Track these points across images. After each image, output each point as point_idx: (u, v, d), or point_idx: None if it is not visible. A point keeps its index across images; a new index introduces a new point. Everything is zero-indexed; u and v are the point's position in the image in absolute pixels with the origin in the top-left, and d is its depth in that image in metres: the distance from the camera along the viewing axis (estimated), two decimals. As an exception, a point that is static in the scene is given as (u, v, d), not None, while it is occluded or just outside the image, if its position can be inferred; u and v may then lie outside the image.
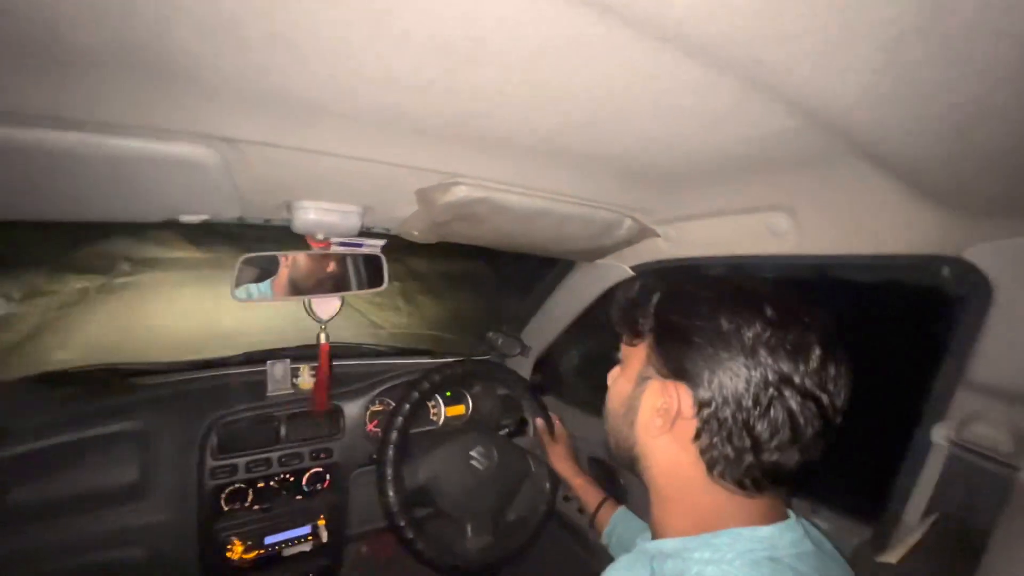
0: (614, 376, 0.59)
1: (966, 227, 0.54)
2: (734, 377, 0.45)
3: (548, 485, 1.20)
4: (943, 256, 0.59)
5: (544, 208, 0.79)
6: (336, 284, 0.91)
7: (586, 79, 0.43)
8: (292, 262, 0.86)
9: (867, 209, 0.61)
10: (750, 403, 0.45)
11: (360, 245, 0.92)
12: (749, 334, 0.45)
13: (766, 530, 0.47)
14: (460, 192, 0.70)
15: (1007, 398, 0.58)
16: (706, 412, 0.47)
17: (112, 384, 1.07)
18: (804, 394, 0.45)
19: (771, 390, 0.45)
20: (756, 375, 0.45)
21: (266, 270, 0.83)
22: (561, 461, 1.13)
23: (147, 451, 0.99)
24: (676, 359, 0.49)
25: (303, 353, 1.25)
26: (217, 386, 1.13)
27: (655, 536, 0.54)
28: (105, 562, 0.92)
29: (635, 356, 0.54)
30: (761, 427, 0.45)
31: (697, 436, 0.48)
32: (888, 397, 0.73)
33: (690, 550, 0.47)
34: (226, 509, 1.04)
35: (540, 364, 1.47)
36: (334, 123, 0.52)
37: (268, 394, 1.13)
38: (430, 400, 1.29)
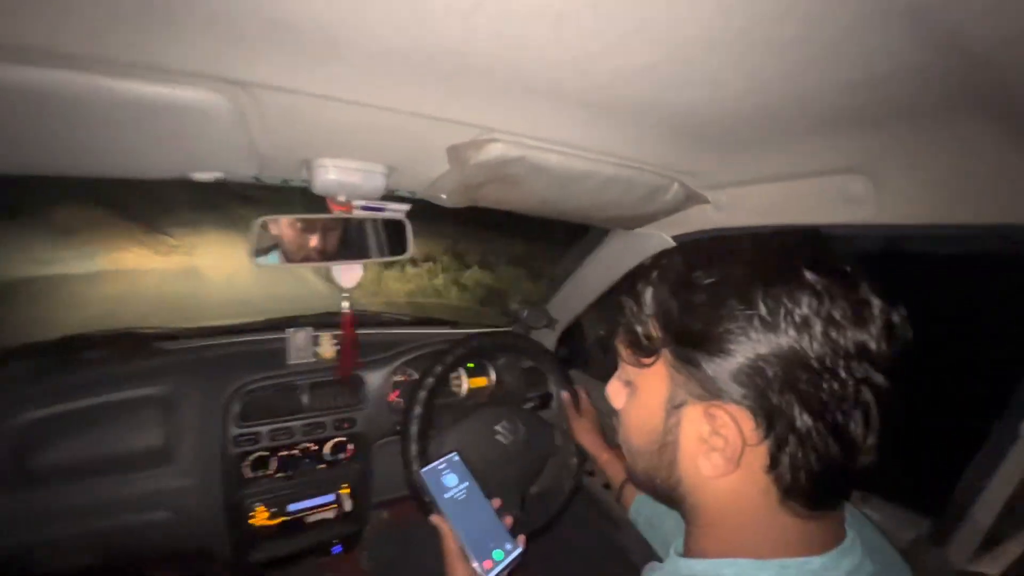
0: (619, 396, 0.50)
1: None
2: (801, 371, 0.36)
3: (574, 460, 1.17)
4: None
5: (586, 170, 0.72)
6: (358, 250, 0.86)
7: (659, 7, 0.35)
8: (312, 226, 0.81)
9: (971, 171, 0.52)
10: (831, 396, 0.36)
11: (382, 210, 0.86)
12: (802, 310, 0.36)
13: (818, 561, 0.40)
14: (496, 150, 0.63)
15: None
16: (779, 430, 0.37)
17: (137, 349, 1.06)
18: (882, 363, 0.36)
19: (853, 370, 0.36)
20: (828, 358, 0.35)
21: (285, 234, 0.78)
22: (586, 435, 1.09)
23: (172, 416, 0.98)
24: (714, 374, 0.38)
25: (324, 320, 1.22)
26: (239, 353, 1.11)
27: (690, 551, 0.47)
28: (132, 525, 0.93)
29: (652, 380, 0.44)
30: (855, 424, 0.36)
31: (773, 464, 0.38)
32: (971, 380, 0.66)
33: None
34: (250, 476, 1.04)
35: (566, 337, 1.42)
36: (358, 65, 0.45)
37: (289, 362, 1.11)
38: (453, 372, 1.26)
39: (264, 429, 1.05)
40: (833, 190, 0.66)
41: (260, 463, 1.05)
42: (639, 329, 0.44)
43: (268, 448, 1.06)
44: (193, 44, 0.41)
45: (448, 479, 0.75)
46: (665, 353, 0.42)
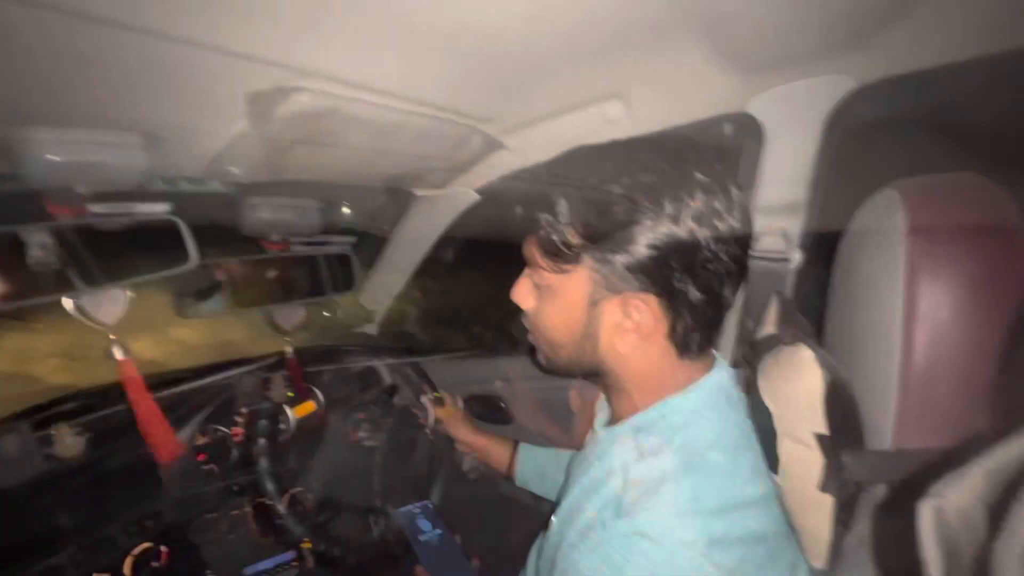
0: (527, 299, 0.56)
1: (750, 82, 0.71)
2: (696, 255, 0.45)
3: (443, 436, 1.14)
4: (732, 114, 0.77)
5: (399, 122, 0.70)
6: (116, 266, 0.61)
7: None
8: (31, 243, 0.53)
9: (682, 82, 0.73)
10: (714, 273, 0.46)
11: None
12: (696, 206, 0.45)
13: (711, 376, 0.53)
14: (303, 100, 0.55)
15: (782, 212, 0.80)
16: (677, 306, 0.47)
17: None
18: (742, 240, 0.48)
19: (728, 249, 0.46)
20: (713, 243, 0.45)
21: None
22: (459, 428, 1.05)
23: None
24: (630, 270, 0.46)
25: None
26: None
27: (618, 417, 0.57)
28: None
29: (572, 282, 0.50)
30: (728, 289, 0.48)
31: (672, 330, 0.49)
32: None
33: (665, 415, 0.51)
34: None
35: (386, 325, 1.34)
36: None
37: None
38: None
39: None
40: (597, 116, 0.82)
41: None
42: (556, 238, 0.48)
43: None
44: None
45: (423, 524, 0.76)
46: (586, 258, 0.48)
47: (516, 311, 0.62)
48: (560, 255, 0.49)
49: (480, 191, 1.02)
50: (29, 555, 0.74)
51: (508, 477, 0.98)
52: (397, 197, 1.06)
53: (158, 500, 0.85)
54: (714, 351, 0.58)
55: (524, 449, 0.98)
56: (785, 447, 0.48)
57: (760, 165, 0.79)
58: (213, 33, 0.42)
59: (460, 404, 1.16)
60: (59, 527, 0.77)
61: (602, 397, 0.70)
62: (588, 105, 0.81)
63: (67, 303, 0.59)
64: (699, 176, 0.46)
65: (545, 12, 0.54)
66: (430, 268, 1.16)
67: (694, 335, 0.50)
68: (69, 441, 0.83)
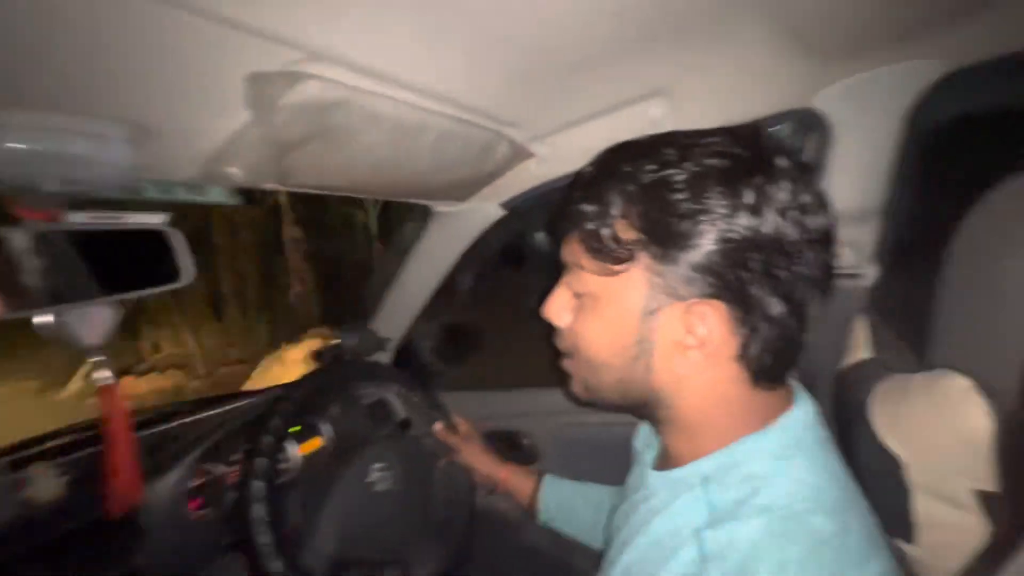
0: (564, 312, 0.48)
1: (818, 73, 0.63)
2: (778, 256, 0.37)
3: (463, 474, 1.02)
4: (791, 110, 0.68)
5: (420, 122, 0.62)
6: (102, 281, 0.53)
7: None
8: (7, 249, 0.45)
9: (737, 75, 0.65)
10: (799, 278, 0.38)
11: (118, 218, 0.56)
12: (782, 196, 0.37)
13: (794, 413, 0.43)
14: (312, 88, 0.48)
15: (851, 220, 0.70)
16: (753, 318, 0.38)
17: None
18: (833, 244, 0.40)
19: (817, 252, 0.38)
20: (799, 243, 0.37)
21: None
22: (478, 457, 0.96)
23: None
24: (697, 271, 0.38)
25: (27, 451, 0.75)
26: None
27: (676, 459, 0.46)
28: None
29: (624, 287, 0.41)
30: (812, 302, 0.39)
31: (744, 350, 0.40)
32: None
33: (740, 462, 0.41)
34: None
35: (404, 355, 1.24)
36: None
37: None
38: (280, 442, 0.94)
39: None
40: (637, 117, 0.74)
41: None
42: (607, 233, 0.40)
43: None
44: None
45: None
46: (642, 256, 0.40)
47: (545, 336, 0.52)
48: (610, 253, 0.41)
49: (505, 205, 0.94)
50: None
51: (530, 512, 0.87)
52: (414, 212, 0.99)
53: (140, 554, 0.74)
54: (792, 380, 0.47)
55: (549, 481, 0.88)
56: (924, 507, 0.36)
57: (824, 167, 0.69)
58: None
59: (469, 427, 1.05)
60: None
61: (644, 426, 0.59)
62: (627, 105, 0.73)
63: (39, 321, 0.50)
64: (781, 163, 0.38)
65: (581, 5, 0.47)
66: (449, 290, 1.07)
67: (771, 357, 0.40)
68: (47, 483, 0.74)
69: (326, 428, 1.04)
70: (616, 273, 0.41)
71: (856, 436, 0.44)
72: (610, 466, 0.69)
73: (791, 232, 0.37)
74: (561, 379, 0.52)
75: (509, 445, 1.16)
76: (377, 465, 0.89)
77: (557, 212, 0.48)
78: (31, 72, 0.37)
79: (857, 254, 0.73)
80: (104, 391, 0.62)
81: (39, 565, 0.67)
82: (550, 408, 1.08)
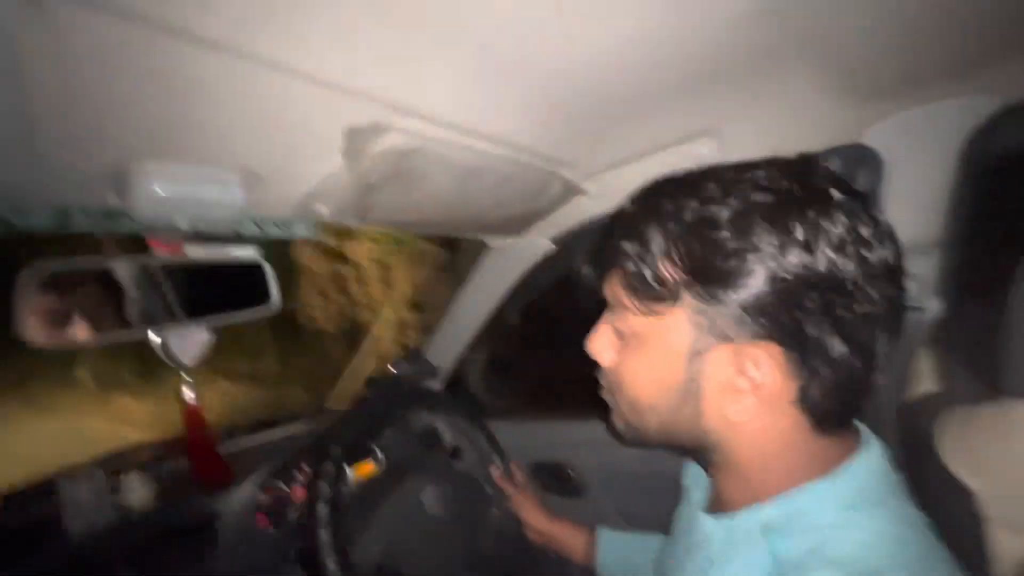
0: (607, 352, 0.46)
1: (867, 110, 0.64)
2: (837, 295, 0.35)
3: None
4: (842, 146, 0.69)
5: (482, 166, 0.68)
6: (203, 307, 0.61)
7: None
8: (124, 277, 0.54)
9: (785, 114, 0.68)
10: (863, 318, 0.35)
11: (225, 251, 0.65)
12: (837, 231, 0.34)
13: (858, 459, 0.40)
14: (393, 139, 0.55)
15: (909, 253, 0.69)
16: (812, 361, 0.36)
17: None
18: (900, 279, 0.37)
19: (882, 289, 0.36)
20: (861, 279, 0.35)
21: (86, 291, 0.50)
22: (532, 513, 0.94)
23: None
24: (747, 312, 0.36)
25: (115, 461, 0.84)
26: None
27: (729, 503, 0.44)
28: None
29: (668, 327, 0.40)
30: (880, 343, 0.36)
31: (804, 394, 0.37)
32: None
33: (805, 512, 0.38)
34: None
35: (452, 383, 1.28)
36: None
37: (73, 530, 0.70)
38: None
39: None
40: (685, 156, 0.78)
41: None
42: (649, 273, 0.39)
43: None
44: None
45: None
46: (686, 297, 0.38)
47: (589, 369, 0.52)
48: (652, 293, 0.39)
49: (555, 240, 0.99)
50: None
51: (584, 567, 0.85)
52: (469, 247, 1.05)
53: (215, 560, 0.79)
54: (858, 423, 0.44)
55: (604, 536, 0.85)
56: (999, 539, 0.35)
57: (879, 200, 0.70)
58: (318, 64, 0.43)
59: (525, 475, 1.04)
60: None
61: (693, 467, 0.56)
62: (676, 145, 0.77)
63: (153, 338, 0.58)
64: (836, 194, 0.36)
65: (634, 46, 0.52)
66: (499, 322, 1.12)
67: (834, 401, 0.37)
68: (139, 491, 0.82)
69: (378, 453, 1.09)
70: (659, 313, 0.40)
71: (925, 468, 0.43)
72: (657, 500, 0.68)
73: (850, 268, 0.35)
74: (603, 413, 0.51)
75: (555, 477, 1.15)
76: (428, 489, 0.91)
77: (598, 250, 0.48)
78: (175, 130, 0.45)
79: (917, 286, 0.71)
80: (190, 409, 0.69)
81: (131, 566, 0.73)
82: (595, 439, 1.07)
